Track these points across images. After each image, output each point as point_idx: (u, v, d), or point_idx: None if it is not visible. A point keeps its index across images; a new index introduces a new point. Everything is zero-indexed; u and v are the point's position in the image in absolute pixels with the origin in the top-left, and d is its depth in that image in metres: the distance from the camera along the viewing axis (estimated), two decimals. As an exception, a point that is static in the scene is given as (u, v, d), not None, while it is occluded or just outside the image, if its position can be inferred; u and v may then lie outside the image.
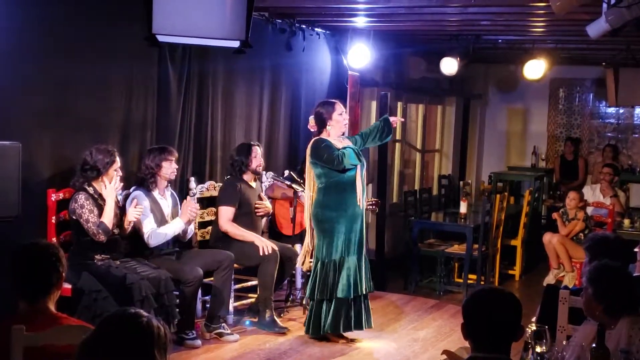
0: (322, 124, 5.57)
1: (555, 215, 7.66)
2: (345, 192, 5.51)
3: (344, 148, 5.48)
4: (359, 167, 5.53)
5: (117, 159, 5.04)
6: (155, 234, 5.36)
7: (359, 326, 5.63)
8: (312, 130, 5.73)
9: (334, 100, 5.71)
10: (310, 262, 5.69)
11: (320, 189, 5.54)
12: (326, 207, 5.49)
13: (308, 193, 5.63)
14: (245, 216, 5.98)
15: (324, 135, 5.54)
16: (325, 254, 5.49)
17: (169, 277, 5.06)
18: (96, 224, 4.87)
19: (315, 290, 5.50)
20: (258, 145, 6.11)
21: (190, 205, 5.55)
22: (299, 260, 5.88)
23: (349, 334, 5.70)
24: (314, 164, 5.53)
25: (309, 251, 5.71)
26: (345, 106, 6.05)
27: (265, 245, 5.80)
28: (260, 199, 6.15)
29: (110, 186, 5.00)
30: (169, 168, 5.43)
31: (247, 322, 5.97)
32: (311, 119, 5.72)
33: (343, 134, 5.63)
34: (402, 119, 6.00)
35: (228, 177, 6.16)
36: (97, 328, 2.10)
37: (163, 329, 2.10)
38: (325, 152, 5.43)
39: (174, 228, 5.44)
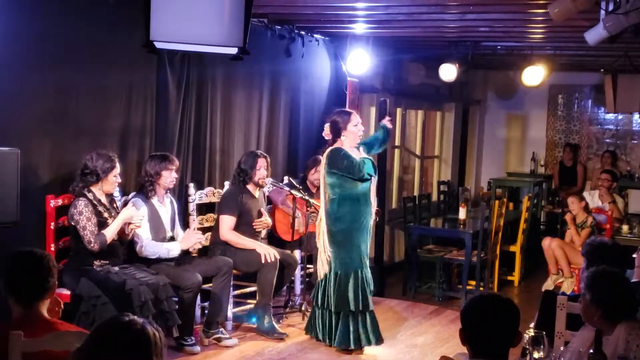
0: (337, 133, 5.51)
1: (568, 218, 7.53)
2: (359, 203, 5.48)
3: (361, 158, 5.48)
4: (373, 178, 5.53)
5: (117, 165, 5.05)
6: (149, 245, 5.35)
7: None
8: (326, 138, 5.66)
9: (350, 111, 5.66)
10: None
11: (334, 199, 5.48)
12: (341, 219, 5.45)
13: (323, 201, 5.56)
14: (245, 225, 5.96)
15: (337, 145, 5.52)
16: (358, 264, 5.46)
17: (168, 283, 5.05)
18: (93, 232, 4.87)
19: (350, 301, 5.43)
20: (265, 157, 6.06)
21: (195, 237, 5.56)
22: (320, 270, 5.60)
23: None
24: (330, 173, 5.47)
25: (328, 260, 5.54)
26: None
27: (268, 253, 5.78)
28: (261, 214, 6.12)
29: (130, 210, 5.04)
30: (169, 177, 5.42)
31: (253, 319, 5.95)
32: (327, 126, 5.64)
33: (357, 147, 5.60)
34: (390, 117, 6.03)
35: (230, 184, 6.16)
36: (91, 336, 2.08)
37: (158, 334, 2.09)
38: (345, 160, 5.39)
39: (169, 248, 5.42)
